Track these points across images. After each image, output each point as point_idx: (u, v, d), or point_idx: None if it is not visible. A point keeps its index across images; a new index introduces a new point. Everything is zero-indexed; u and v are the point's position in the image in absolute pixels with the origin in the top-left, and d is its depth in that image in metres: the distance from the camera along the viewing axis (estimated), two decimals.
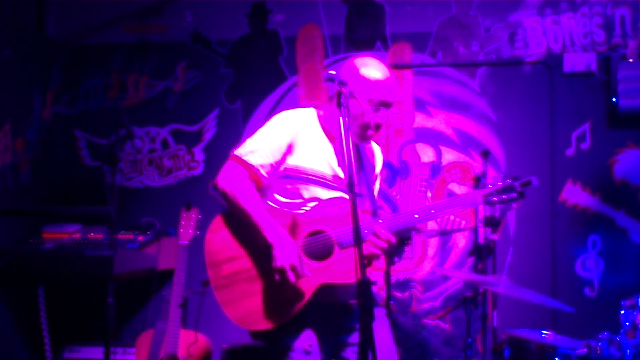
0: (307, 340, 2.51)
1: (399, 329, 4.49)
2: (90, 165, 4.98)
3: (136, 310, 4.69)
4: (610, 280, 4.38)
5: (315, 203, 2.55)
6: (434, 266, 4.60)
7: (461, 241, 4.57)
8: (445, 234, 4.60)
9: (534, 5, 4.57)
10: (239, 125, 4.84)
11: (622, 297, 3.15)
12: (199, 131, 4.89)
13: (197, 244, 4.22)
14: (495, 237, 4.28)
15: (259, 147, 2.58)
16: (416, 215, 2.53)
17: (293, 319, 2.47)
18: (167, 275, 4.14)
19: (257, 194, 2.56)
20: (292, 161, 2.58)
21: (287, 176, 2.59)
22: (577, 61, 4.46)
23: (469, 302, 3.84)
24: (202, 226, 4.10)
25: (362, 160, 2.69)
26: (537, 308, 3.50)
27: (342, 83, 2.34)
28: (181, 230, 3.94)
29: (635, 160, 4.41)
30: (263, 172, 2.57)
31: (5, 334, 4.29)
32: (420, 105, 4.68)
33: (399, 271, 4.58)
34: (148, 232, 4.32)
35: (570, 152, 4.45)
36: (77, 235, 4.24)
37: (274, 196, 2.61)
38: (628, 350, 2.89)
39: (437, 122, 4.66)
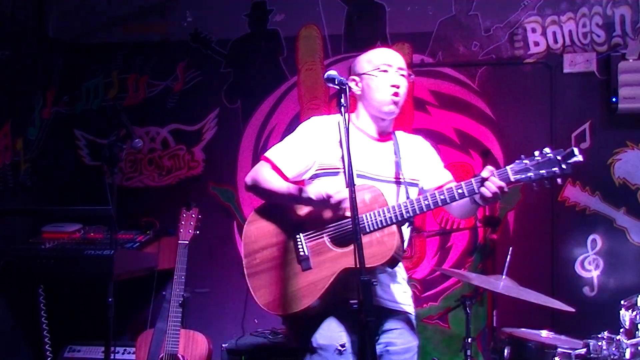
0: (338, 341, 2.53)
1: None
2: (90, 165, 4.98)
3: (136, 310, 4.68)
4: (610, 280, 4.38)
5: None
6: (433, 266, 4.60)
7: (461, 241, 4.57)
8: (445, 234, 4.60)
9: (534, 5, 4.57)
10: (239, 125, 4.84)
11: (622, 297, 3.16)
12: (199, 131, 4.89)
13: (197, 243, 4.25)
14: (495, 237, 4.29)
15: (284, 152, 2.69)
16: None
17: (320, 311, 2.52)
18: (167, 275, 4.14)
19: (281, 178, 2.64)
20: (321, 162, 2.66)
21: (317, 176, 2.68)
22: (577, 61, 4.46)
23: (469, 302, 3.85)
24: (202, 226, 4.11)
25: (400, 151, 2.75)
26: (537, 308, 3.49)
27: (342, 83, 2.33)
28: (181, 230, 3.94)
29: (635, 160, 4.41)
30: (286, 172, 2.65)
31: (6, 334, 4.29)
32: (420, 105, 4.68)
33: None
34: (148, 232, 4.32)
35: None
36: (77, 235, 4.24)
37: None
38: (627, 350, 2.89)
39: (437, 121, 4.66)
